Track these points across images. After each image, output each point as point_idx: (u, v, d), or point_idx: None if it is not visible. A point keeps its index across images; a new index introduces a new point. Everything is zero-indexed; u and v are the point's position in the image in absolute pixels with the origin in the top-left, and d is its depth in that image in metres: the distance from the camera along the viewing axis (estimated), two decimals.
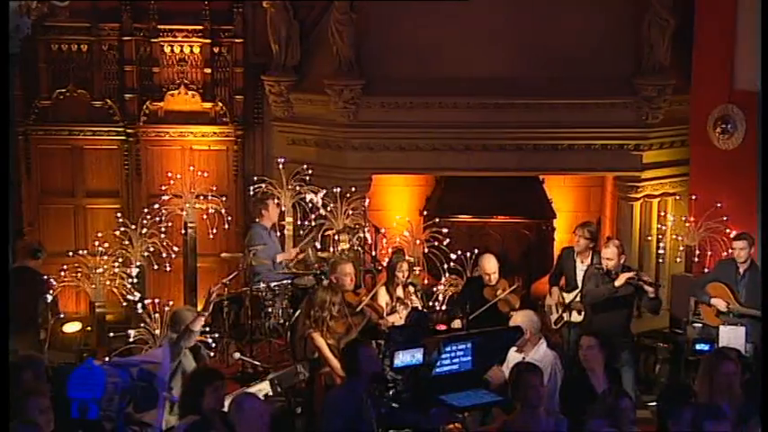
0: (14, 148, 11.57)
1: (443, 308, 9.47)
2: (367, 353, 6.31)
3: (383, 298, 8.94)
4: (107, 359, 7.03)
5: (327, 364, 7.82)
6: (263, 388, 7.61)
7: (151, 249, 10.10)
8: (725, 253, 10.06)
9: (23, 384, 5.53)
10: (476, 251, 9.55)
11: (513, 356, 7.50)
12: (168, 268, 10.19)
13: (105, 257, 9.93)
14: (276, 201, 10.53)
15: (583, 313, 9.16)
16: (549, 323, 9.53)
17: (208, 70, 11.89)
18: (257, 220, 10.48)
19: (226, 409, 5.70)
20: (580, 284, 9.14)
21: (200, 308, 10.41)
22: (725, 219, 10.31)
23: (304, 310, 8.21)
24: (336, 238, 10.24)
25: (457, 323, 8.87)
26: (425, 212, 11.28)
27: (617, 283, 8.69)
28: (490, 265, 8.99)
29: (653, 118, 11.09)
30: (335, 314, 8.00)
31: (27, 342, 9.29)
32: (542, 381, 6.30)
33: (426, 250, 10.09)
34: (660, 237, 11.25)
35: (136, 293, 9.44)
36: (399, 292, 9.06)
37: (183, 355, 7.07)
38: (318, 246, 10.38)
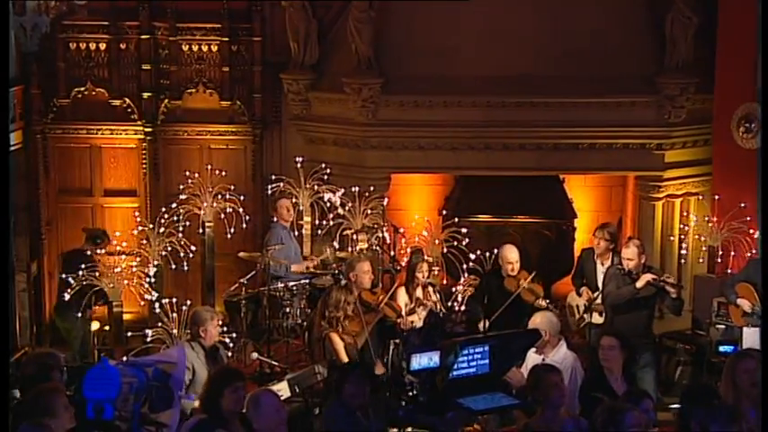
0: (31, 147, 11.69)
1: (462, 308, 9.43)
2: (354, 385, 6.23)
3: (402, 298, 8.94)
4: (124, 359, 7.03)
5: (339, 365, 7.80)
6: (280, 388, 7.63)
7: (169, 249, 10.08)
8: (748, 254, 9.99)
9: (51, 381, 5.56)
10: (495, 250, 9.50)
11: (533, 358, 7.46)
12: (186, 268, 10.17)
13: (123, 257, 9.97)
14: (291, 201, 10.54)
15: (604, 315, 9.13)
16: (570, 323, 9.51)
17: (226, 69, 11.88)
18: (275, 219, 10.52)
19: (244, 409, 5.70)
20: (600, 286, 9.10)
21: (218, 308, 10.56)
22: (748, 219, 10.23)
23: (319, 311, 8.22)
24: (355, 237, 10.23)
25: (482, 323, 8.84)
26: (444, 212, 11.23)
27: (638, 284, 8.64)
28: (512, 254, 8.98)
29: (675, 117, 11.03)
30: (350, 313, 7.99)
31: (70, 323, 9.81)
32: (563, 380, 6.29)
33: (445, 250, 10.04)
34: (682, 237, 11.19)
35: (153, 293, 9.44)
36: (419, 292, 9.06)
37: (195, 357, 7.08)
38: (337, 246, 10.37)
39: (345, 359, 7.85)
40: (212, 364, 7.25)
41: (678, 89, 10.88)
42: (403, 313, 8.73)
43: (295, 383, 7.75)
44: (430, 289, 9.09)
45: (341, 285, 8.48)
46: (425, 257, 9.46)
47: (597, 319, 9.24)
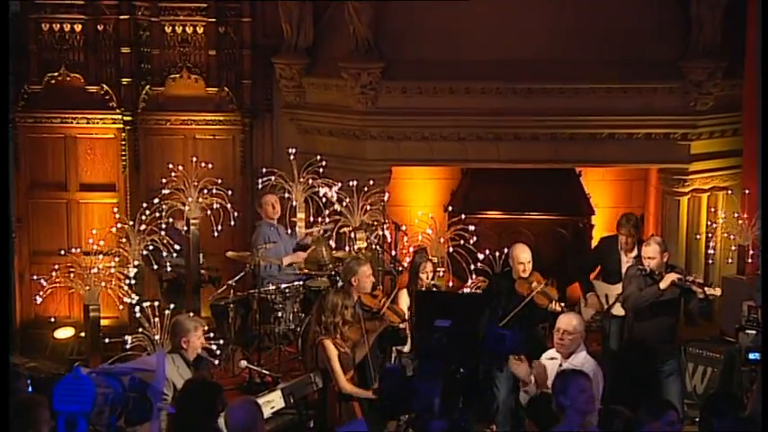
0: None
1: None
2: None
3: (405, 301, 8.88)
4: (98, 367, 6.97)
5: (333, 377, 7.75)
6: (272, 399, 7.57)
7: (150, 248, 10.05)
8: None
9: (27, 394, 5.51)
10: (505, 250, 9.46)
11: (548, 363, 7.42)
12: (169, 269, 10.12)
13: (100, 257, 9.92)
14: (277, 196, 10.50)
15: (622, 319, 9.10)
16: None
17: (212, 52, 11.85)
18: (263, 217, 10.48)
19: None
20: (622, 287, 9.05)
21: (204, 312, 10.51)
22: None
23: (314, 316, 8.15)
24: (353, 236, 10.18)
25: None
26: (450, 208, 11.22)
27: (662, 285, 8.58)
28: (525, 254, 8.92)
29: (702, 104, 10.99)
30: (349, 319, 7.93)
31: None
32: (591, 385, 6.28)
33: (451, 250, 10.03)
34: (710, 235, 11.15)
35: (133, 296, 9.41)
36: None
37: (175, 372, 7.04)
38: (333, 244, 10.32)
39: (338, 369, 7.78)
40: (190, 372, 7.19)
41: (705, 74, 10.84)
42: (406, 317, 8.67)
43: (289, 393, 7.69)
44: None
45: (338, 288, 8.42)
46: (429, 257, 9.41)
47: (618, 310, 9.19)
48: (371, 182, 10.57)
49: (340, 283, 8.72)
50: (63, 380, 4.41)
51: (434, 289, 9.04)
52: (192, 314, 8.40)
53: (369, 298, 8.57)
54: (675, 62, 10.90)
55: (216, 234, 10.77)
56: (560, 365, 7.32)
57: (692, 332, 10.25)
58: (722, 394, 8.29)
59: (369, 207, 10.32)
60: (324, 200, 10.44)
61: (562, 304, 8.85)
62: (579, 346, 7.49)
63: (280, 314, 9.98)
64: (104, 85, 11.88)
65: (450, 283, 10.26)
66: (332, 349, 7.85)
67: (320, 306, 8.13)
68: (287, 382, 8.08)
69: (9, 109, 9.06)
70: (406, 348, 8.63)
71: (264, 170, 10.92)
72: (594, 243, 11.72)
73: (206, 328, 7.73)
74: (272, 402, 7.55)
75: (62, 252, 10.42)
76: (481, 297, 8.18)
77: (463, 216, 10.51)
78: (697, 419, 7.44)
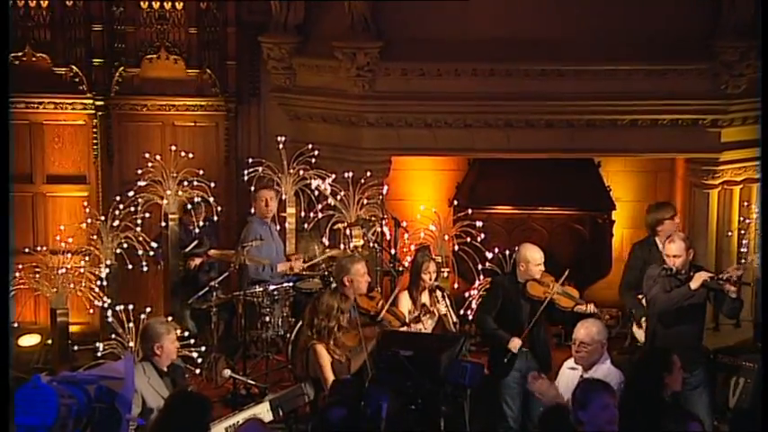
0: None
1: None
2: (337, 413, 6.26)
3: (405, 304, 8.88)
4: (60, 375, 6.97)
5: (324, 386, 7.75)
6: (259, 412, 7.59)
7: (124, 246, 10.06)
8: None
9: None
10: (516, 249, 9.44)
11: (568, 374, 7.41)
12: (145, 268, 10.13)
13: (69, 255, 9.91)
14: (274, 190, 10.49)
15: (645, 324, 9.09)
16: None
17: (193, 30, 11.86)
18: (253, 212, 10.47)
19: None
20: (645, 289, 9.03)
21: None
22: None
23: (307, 319, 8.15)
24: (348, 232, 10.19)
25: (515, 342, 8.76)
26: (456, 202, 11.21)
27: (693, 285, 8.54)
28: (538, 254, 8.88)
29: (734, 87, 10.97)
30: (344, 324, 7.93)
31: None
32: (615, 400, 6.27)
33: (456, 248, 10.02)
34: (742, 232, 11.11)
35: (105, 299, 9.39)
36: (425, 297, 8.99)
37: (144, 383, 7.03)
38: (327, 242, 10.33)
39: (331, 378, 7.78)
40: (171, 387, 7.18)
41: (737, 54, 10.82)
42: (407, 320, 8.67)
43: (277, 406, 7.72)
44: (438, 294, 9.02)
45: (333, 289, 8.41)
46: (433, 256, 9.40)
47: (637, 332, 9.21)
48: (369, 173, 10.57)
49: (334, 285, 8.71)
50: (21, 390, 4.39)
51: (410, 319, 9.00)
52: (170, 319, 8.40)
53: (366, 300, 8.58)
54: (705, 40, 10.88)
55: (197, 231, 10.77)
56: (581, 376, 7.32)
57: (722, 339, 10.25)
58: (751, 408, 8.29)
59: (366, 201, 10.34)
60: (316, 193, 10.45)
61: (591, 304, 8.81)
62: (602, 356, 7.48)
63: (267, 319, 10.01)
64: (74, 67, 11.87)
65: (456, 285, 10.26)
66: (324, 356, 7.85)
67: (313, 308, 8.13)
68: (275, 393, 8.10)
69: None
70: None
71: (251, 160, 10.91)
72: (615, 241, 11.76)
73: (179, 331, 7.71)
74: (258, 415, 7.55)
75: (27, 250, 10.41)
76: (448, 338, 8.46)
77: (470, 211, 10.48)
78: None
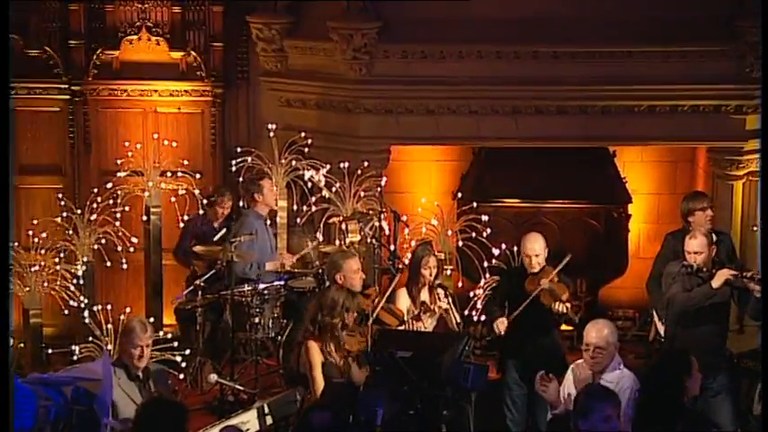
0: None
1: (482, 318, 9.42)
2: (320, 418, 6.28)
3: (404, 302, 8.89)
4: (35, 376, 7.01)
5: (312, 388, 7.77)
6: (247, 419, 7.57)
7: (103, 241, 10.09)
8: None
9: None
10: None
11: (578, 376, 7.45)
12: (125, 266, 10.16)
13: (43, 252, 9.93)
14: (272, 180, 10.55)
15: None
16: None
17: (177, 9, 11.90)
18: (249, 206, 10.46)
19: None
20: (664, 287, 9.07)
21: (167, 320, 10.53)
22: None
23: (310, 313, 8.15)
24: (344, 227, 10.20)
25: (501, 323, 8.89)
26: (460, 195, 11.27)
27: (715, 284, 8.58)
28: (535, 244, 8.95)
29: (759, 70, 10.98)
30: (348, 322, 7.94)
31: None
32: (619, 411, 6.28)
33: (461, 244, 10.04)
34: None
35: (82, 298, 9.41)
36: (424, 295, 9.00)
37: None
38: (321, 237, 10.35)
39: (319, 379, 7.79)
40: (145, 393, 7.17)
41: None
42: (406, 319, 8.69)
43: (267, 413, 7.70)
44: (441, 292, 9.03)
45: (339, 286, 8.41)
46: (435, 252, 9.42)
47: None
48: (366, 164, 10.59)
49: (328, 285, 8.74)
50: None
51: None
52: (152, 319, 8.43)
53: (361, 298, 8.58)
54: (728, 19, 10.90)
55: (182, 225, 10.80)
56: (593, 380, 7.34)
57: (746, 342, 10.28)
58: None
59: (363, 193, 10.38)
60: (310, 185, 10.45)
61: (568, 306, 8.86)
62: (614, 359, 7.50)
63: (257, 320, 10.01)
64: (48, 49, 11.89)
65: (460, 284, 10.29)
66: (316, 354, 7.86)
67: (317, 302, 8.15)
68: (265, 399, 8.10)
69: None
70: None
71: (239, 150, 10.92)
72: (632, 237, 11.79)
73: (152, 330, 7.67)
74: (247, 424, 7.56)
75: None
76: (449, 337, 8.48)
77: (475, 204, 10.53)
78: None
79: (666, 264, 9.69)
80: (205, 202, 10.77)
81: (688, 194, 10.11)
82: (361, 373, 7.93)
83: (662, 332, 9.49)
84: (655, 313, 9.74)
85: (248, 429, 7.58)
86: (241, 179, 10.56)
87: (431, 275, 9.02)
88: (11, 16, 11.62)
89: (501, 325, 8.96)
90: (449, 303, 9.06)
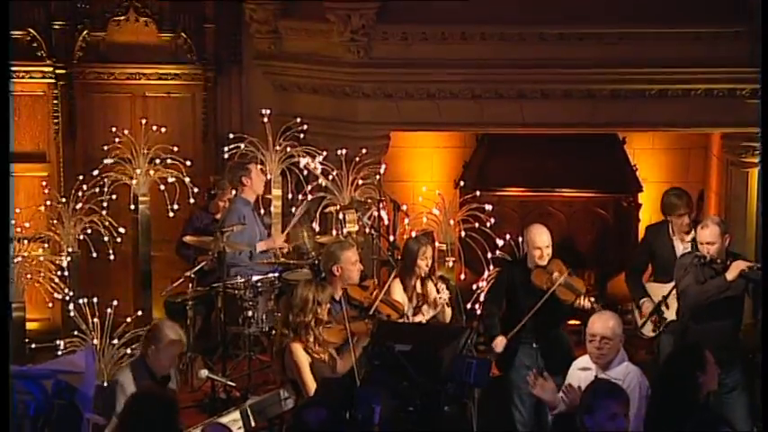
0: None
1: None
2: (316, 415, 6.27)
3: (399, 292, 8.87)
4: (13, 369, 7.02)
5: (303, 390, 7.77)
6: (233, 419, 7.59)
7: (89, 231, 10.09)
8: None
9: None
10: None
11: (579, 375, 7.44)
12: (112, 257, 10.16)
13: (26, 242, 9.93)
14: (261, 166, 10.52)
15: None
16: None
17: None
18: (236, 192, 10.47)
19: None
20: (675, 280, 9.07)
21: (157, 314, 10.53)
22: None
23: (282, 315, 8.15)
24: (341, 217, 10.22)
25: (501, 342, 8.93)
26: (462, 183, 11.28)
27: (729, 276, 8.58)
28: (542, 237, 8.95)
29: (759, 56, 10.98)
30: (323, 317, 7.90)
31: None
32: (626, 409, 6.28)
33: (463, 234, 10.03)
34: None
35: (67, 291, 9.40)
36: (419, 286, 8.98)
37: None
38: (317, 228, 10.34)
39: (310, 381, 7.78)
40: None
41: None
42: (404, 312, 8.69)
43: (253, 413, 7.72)
44: (441, 285, 9.03)
45: (308, 280, 8.41)
46: (436, 243, 9.41)
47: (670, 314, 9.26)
48: (364, 150, 10.59)
49: (324, 276, 8.74)
50: None
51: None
52: (140, 312, 8.45)
53: (358, 291, 8.58)
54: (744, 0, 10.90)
55: (171, 215, 10.79)
56: (596, 376, 7.34)
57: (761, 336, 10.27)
58: None
59: (361, 182, 10.38)
60: (305, 172, 10.47)
61: (592, 299, 8.85)
62: (619, 352, 7.50)
63: (250, 314, 10.02)
64: (31, 30, 11.87)
65: (463, 276, 10.29)
66: (301, 355, 7.83)
67: (287, 302, 8.12)
68: (255, 397, 8.13)
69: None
70: None
71: (231, 136, 10.97)
72: (642, 226, 11.77)
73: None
74: (238, 422, 7.58)
75: None
76: (451, 330, 8.48)
77: (478, 193, 10.53)
78: None
79: (644, 257, 9.76)
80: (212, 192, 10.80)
81: (672, 192, 10.08)
82: (343, 363, 7.95)
83: (639, 322, 9.59)
84: (635, 308, 9.86)
85: (240, 428, 7.61)
86: (229, 164, 10.58)
87: (427, 266, 9.00)
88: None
89: (500, 345, 8.95)
90: (450, 297, 9.06)
